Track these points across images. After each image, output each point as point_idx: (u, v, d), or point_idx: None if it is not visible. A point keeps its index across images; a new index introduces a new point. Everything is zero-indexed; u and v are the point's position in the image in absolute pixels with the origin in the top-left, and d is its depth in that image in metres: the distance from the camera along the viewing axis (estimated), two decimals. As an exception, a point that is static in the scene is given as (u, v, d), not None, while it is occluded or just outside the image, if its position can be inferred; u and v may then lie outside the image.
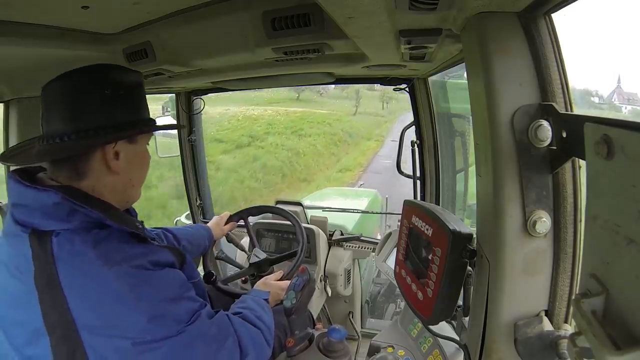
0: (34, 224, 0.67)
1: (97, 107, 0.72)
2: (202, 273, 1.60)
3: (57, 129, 0.71)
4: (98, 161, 0.72)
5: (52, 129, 0.72)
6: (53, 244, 0.65)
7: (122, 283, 0.64)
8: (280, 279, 1.26)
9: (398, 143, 1.61)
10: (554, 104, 0.54)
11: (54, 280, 0.63)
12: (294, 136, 15.35)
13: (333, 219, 1.94)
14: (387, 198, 3.74)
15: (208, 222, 1.58)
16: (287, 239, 1.76)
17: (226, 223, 1.55)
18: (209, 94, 1.94)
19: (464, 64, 0.75)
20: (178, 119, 2.03)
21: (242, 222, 1.60)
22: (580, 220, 0.57)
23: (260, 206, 1.65)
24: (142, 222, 0.82)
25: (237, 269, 1.57)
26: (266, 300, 1.05)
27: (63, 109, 0.71)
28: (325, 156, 14.49)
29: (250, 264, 1.46)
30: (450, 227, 0.65)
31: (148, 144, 0.85)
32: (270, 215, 1.83)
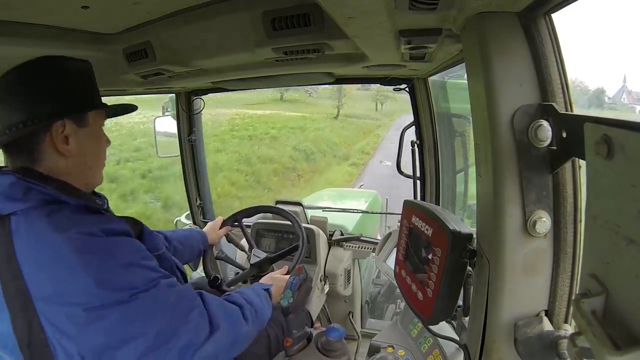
0: None
1: (42, 97, 0.74)
2: (201, 275, 1.61)
3: (8, 122, 0.74)
4: (48, 146, 0.74)
5: (4, 122, 0.75)
6: (12, 222, 0.67)
7: (71, 249, 0.65)
8: (286, 274, 1.26)
9: (398, 143, 1.61)
10: (554, 104, 0.54)
11: (11, 254, 0.65)
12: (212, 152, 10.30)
13: (333, 219, 1.94)
14: (387, 199, 3.74)
15: (208, 222, 1.58)
16: (287, 239, 1.77)
17: (221, 227, 1.55)
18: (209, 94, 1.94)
19: (464, 64, 0.75)
20: (178, 119, 2.03)
21: (237, 224, 1.60)
22: (580, 220, 0.57)
23: (257, 207, 1.65)
24: (104, 199, 0.85)
25: (237, 268, 1.57)
26: (267, 290, 1.04)
27: (11, 102, 0.74)
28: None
29: (251, 264, 1.46)
30: (450, 227, 0.65)
31: (103, 125, 0.86)
32: (270, 215, 1.83)
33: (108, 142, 0.88)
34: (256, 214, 1.72)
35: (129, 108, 0.95)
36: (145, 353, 0.67)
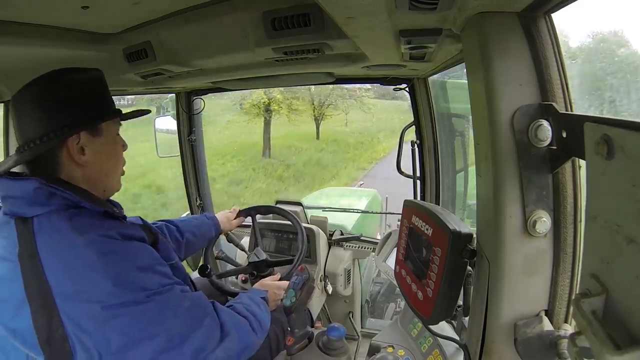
0: (19, 213, 0.73)
1: (55, 111, 0.77)
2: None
3: (26, 137, 0.78)
4: (65, 158, 0.78)
5: (23, 137, 0.79)
6: (34, 224, 0.71)
7: (91, 249, 0.69)
8: (279, 280, 1.26)
9: (398, 144, 1.61)
10: (554, 104, 0.54)
11: (34, 253, 0.68)
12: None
13: (333, 219, 1.94)
14: (387, 198, 3.74)
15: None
16: (287, 239, 1.77)
17: (236, 217, 1.55)
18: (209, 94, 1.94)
19: (464, 64, 0.75)
20: (178, 119, 2.03)
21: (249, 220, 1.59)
22: (580, 220, 0.57)
23: (269, 206, 1.65)
24: (120, 207, 0.89)
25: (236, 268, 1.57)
26: (263, 298, 1.05)
27: (27, 118, 0.78)
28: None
29: (249, 262, 1.45)
30: (450, 227, 0.65)
31: (118, 132, 0.88)
32: (270, 215, 1.83)
33: (124, 146, 0.90)
34: (267, 214, 1.71)
35: (142, 112, 0.99)
36: (159, 353, 0.69)
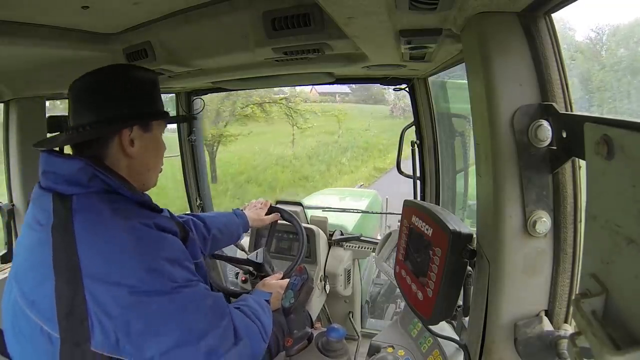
0: (57, 189, 0.74)
1: (113, 101, 0.80)
2: None
3: (79, 121, 0.80)
4: (115, 146, 0.80)
5: (76, 120, 0.81)
6: (73, 201, 0.72)
7: (130, 235, 0.70)
8: (281, 279, 1.25)
9: (398, 143, 1.61)
10: (554, 104, 0.54)
11: (69, 229, 0.69)
12: None
13: (333, 219, 1.94)
14: (387, 199, 3.75)
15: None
16: (287, 239, 1.76)
17: (268, 213, 1.51)
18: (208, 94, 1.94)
19: (464, 64, 0.75)
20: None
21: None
22: (580, 220, 0.57)
23: (292, 216, 1.57)
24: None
25: (236, 269, 1.57)
26: (267, 301, 1.05)
27: (84, 103, 0.80)
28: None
29: (248, 258, 1.45)
30: (450, 227, 0.65)
31: (163, 132, 0.91)
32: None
33: (164, 147, 0.93)
34: (287, 221, 1.60)
35: (187, 118, 0.98)
36: (176, 346, 0.70)
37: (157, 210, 0.85)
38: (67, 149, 0.84)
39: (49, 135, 1.07)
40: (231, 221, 1.37)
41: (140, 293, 0.67)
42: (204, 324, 0.74)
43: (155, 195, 0.88)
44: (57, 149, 0.82)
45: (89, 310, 0.66)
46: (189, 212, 2.20)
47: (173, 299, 0.70)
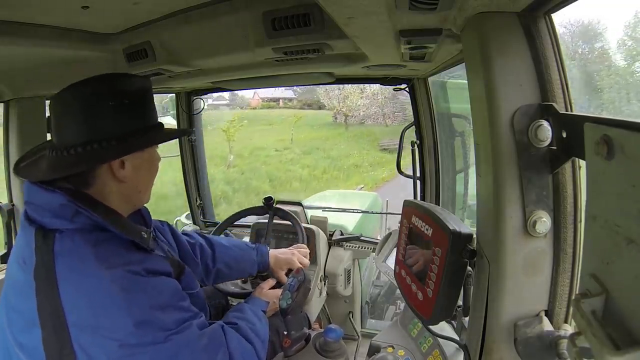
0: (42, 222, 0.70)
1: (103, 118, 0.74)
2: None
3: (66, 141, 0.74)
4: (105, 172, 0.75)
5: (61, 139, 0.75)
6: (55, 239, 0.68)
7: (116, 285, 0.66)
8: (273, 288, 1.21)
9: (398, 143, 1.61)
10: (554, 104, 0.54)
11: (51, 275, 0.66)
12: None
13: (333, 220, 1.94)
14: (387, 201, 3.75)
15: (208, 222, 1.52)
16: (287, 239, 1.76)
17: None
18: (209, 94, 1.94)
19: (464, 64, 0.75)
20: (178, 119, 2.03)
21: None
22: (580, 220, 0.57)
23: (292, 216, 1.56)
24: (150, 231, 0.82)
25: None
26: (264, 311, 1.04)
27: (70, 121, 0.74)
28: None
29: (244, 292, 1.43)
30: (450, 227, 0.65)
31: (157, 147, 0.86)
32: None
33: (159, 159, 0.88)
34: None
35: (186, 132, 0.94)
36: None
37: (149, 247, 0.78)
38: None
39: (48, 135, 1.06)
40: (246, 258, 1.23)
41: (130, 346, 0.66)
42: None
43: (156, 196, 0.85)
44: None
45: None
46: (189, 212, 2.20)
47: (165, 348, 0.68)
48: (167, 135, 0.85)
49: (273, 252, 1.27)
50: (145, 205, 0.90)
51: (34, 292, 0.66)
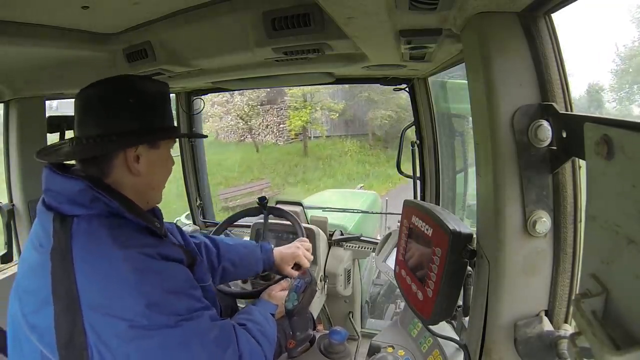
0: (59, 209, 0.72)
1: (121, 114, 0.78)
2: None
3: (85, 132, 0.78)
4: (120, 162, 0.78)
5: (82, 131, 0.78)
6: (73, 224, 0.70)
7: (129, 265, 0.67)
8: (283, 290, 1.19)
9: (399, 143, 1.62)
10: (554, 104, 0.54)
11: (68, 256, 0.67)
12: None
13: (333, 220, 1.94)
14: (387, 200, 3.75)
15: (208, 222, 1.52)
16: (287, 239, 1.76)
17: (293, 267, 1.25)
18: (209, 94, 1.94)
19: (464, 64, 0.75)
20: (178, 119, 2.03)
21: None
22: (580, 220, 0.57)
23: (292, 216, 1.55)
24: (162, 222, 0.86)
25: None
26: (273, 314, 1.03)
27: (92, 115, 0.78)
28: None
29: (246, 291, 1.43)
30: (450, 227, 0.65)
31: (172, 148, 0.89)
32: (269, 214, 1.82)
33: (172, 162, 0.91)
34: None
35: (201, 135, 0.97)
36: None
37: (163, 234, 0.80)
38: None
39: (48, 135, 1.06)
40: (251, 255, 1.22)
41: (141, 327, 0.66)
42: (207, 357, 0.72)
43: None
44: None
45: (88, 341, 0.65)
46: (189, 212, 2.20)
47: (175, 333, 0.68)
48: (182, 133, 0.87)
49: (277, 249, 1.27)
50: (157, 205, 0.91)
51: (49, 272, 0.67)
